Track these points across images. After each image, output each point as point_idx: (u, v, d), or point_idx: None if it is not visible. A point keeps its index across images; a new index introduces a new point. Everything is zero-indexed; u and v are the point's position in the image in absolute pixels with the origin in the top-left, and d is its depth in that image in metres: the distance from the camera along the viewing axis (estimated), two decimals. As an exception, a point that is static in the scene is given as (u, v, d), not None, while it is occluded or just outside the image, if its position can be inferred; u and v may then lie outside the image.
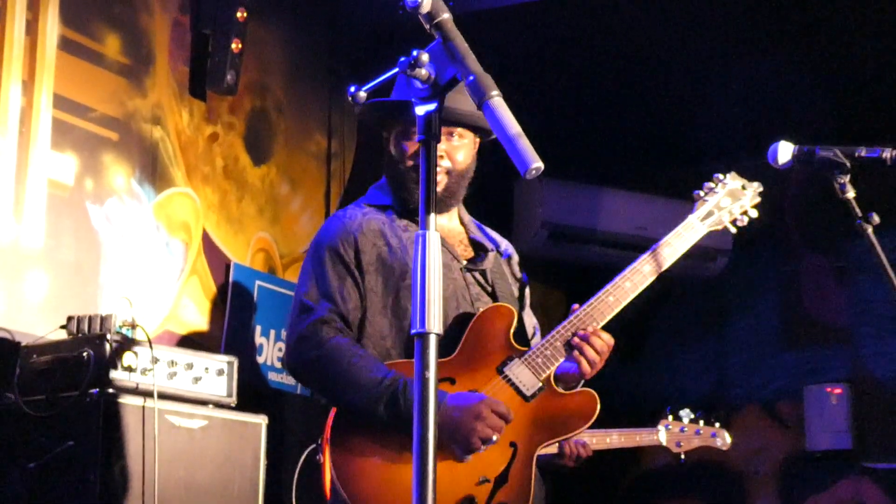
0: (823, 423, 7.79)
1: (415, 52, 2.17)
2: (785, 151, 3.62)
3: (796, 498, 7.91)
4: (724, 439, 4.50)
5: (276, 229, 6.49)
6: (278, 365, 6.22)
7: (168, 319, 5.68)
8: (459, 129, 3.55)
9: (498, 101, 2.10)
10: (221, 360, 4.97)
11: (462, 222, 3.73)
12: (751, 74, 7.26)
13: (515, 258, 3.84)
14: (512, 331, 3.48)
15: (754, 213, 3.82)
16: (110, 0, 5.56)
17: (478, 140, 3.65)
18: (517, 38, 6.93)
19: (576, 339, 3.47)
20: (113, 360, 4.43)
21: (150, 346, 4.59)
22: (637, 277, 3.63)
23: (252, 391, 5.49)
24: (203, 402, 4.81)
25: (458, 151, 3.56)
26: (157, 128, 5.73)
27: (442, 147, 3.46)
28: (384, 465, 3.27)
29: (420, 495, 2.06)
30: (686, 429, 4.41)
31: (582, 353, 3.47)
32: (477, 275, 3.62)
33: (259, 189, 6.41)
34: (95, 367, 4.36)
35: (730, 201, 3.80)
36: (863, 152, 3.55)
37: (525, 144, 2.06)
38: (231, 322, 6.02)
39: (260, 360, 6.19)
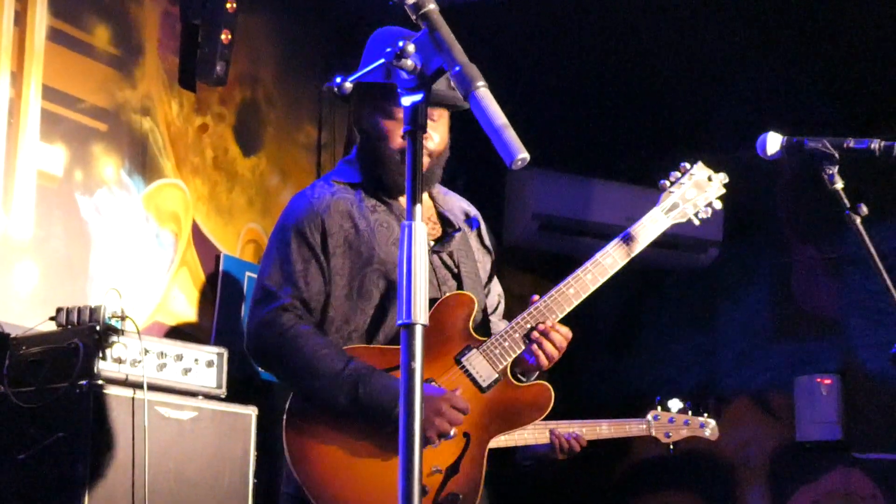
0: (814, 414, 7.79)
1: (401, 43, 2.17)
2: (773, 142, 3.61)
3: (786, 489, 7.93)
4: (713, 430, 4.50)
5: (266, 220, 6.49)
6: (268, 356, 6.21)
7: (158, 311, 5.67)
8: (437, 110, 3.50)
9: (484, 92, 2.09)
10: (211, 352, 4.97)
11: (430, 194, 3.67)
12: (744, 66, 7.26)
13: (483, 226, 3.78)
14: (472, 320, 3.46)
15: (718, 205, 3.80)
16: (99, -10, 5.56)
17: (448, 114, 3.57)
18: (507, 29, 6.93)
19: (535, 334, 3.45)
20: (102, 352, 4.43)
21: (140, 338, 4.58)
22: (598, 269, 3.61)
23: (242, 382, 5.49)
24: (193, 394, 4.81)
25: (436, 131, 3.50)
26: (146, 119, 5.72)
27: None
28: (338, 450, 3.28)
29: (406, 487, 2.06)
30: (675, 419, 4.43)
31: (540, 346, 3.46)
32: (444, 256, 3.57)
33: (249, 180, 6.41)
34: (85, 358, 4.36)
35: (695, 192, 3.78)
36: (851, 143, 3.54)
37: (511, 135, 2.05)
38: (221, 313, 6.01)
39: (250, 351, 6.18)
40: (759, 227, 8.32)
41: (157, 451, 4.52)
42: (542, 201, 7.87)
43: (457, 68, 2.11)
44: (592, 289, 3.59)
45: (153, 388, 4.58)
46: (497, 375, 3.42)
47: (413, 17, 2.22)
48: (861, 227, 3.44)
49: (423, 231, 2.16)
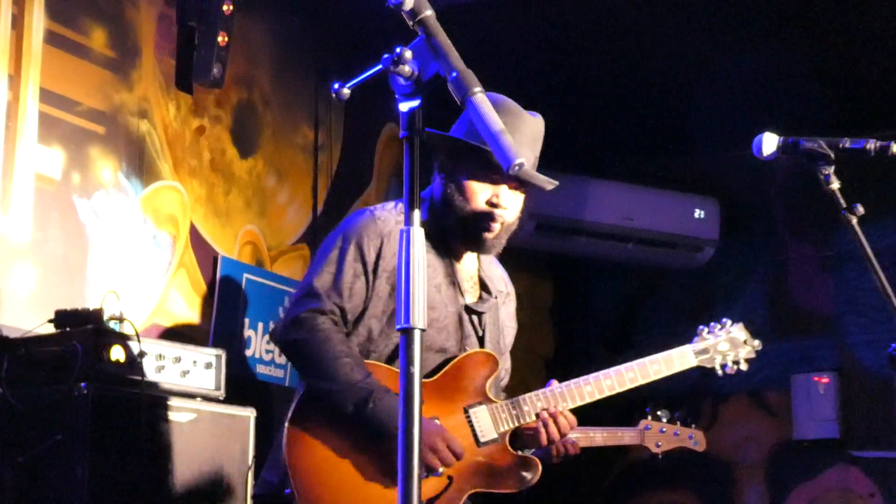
0: (811, 412, 7.81)
1: (398, 49, 2.19)
2: (769, 143, 3.62)
3: (784, 487, 7.95)
4: (701, 441, 4.58)
5: (264, 222, 6.49)
6: (267, 358, 6.23)
7: (156, 313, 5.67)
8: (520, 188, 3.70)
9: (481, 98, 2.11)
10: (209, 354, 4.98)
11: (478, 258, 3.87)
12: (741, 64, 7.26)
13: (514, 303, 4.01)
14: (490, 380, 3.64)
15: (745, 367, 4.06)
16: (96, -7, 5.56)
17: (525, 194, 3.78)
18: (503, 30, 6.93)
19: (544, 414, 3.64)
20: (101, 354, 4.43)
21: (138, 340, 4.58)
22: (619, 380, 3.83)
23: (240, 384, 5.50)
24: (191, 396, 4.82)
25: (513, 206, 3.71)
26: (143, 121, 5.73)
27: (507, 198, 3.64)
28: (333, 455, 3.38)
29: (405, 491, 2.07)
30: (665, 429, 4.49)
31: (545, 426, 3.64)
32: (474, 317, 3.76)
33: (246, 182, 6.41)
34: (83, 360, 4.36)
35: (727, 347, 4.06)
36: (847, 143, 3.56)
37: (508, 140, 2.07)
38: (219, 315, 6.02)
39: (248, 353, 6.19)
40: (755, 226, 8.34)
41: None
42: (539, 201, 7.86)
43: (454, 74, 2.13)
44: (607, 394, 3.80)
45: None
46: (496, 436, 3.58)
47: (410, 24, 2.23)
48: (857, 228, 3.46)
49: (421, 236, 2.19)
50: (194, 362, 4.87)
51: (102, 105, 5.51)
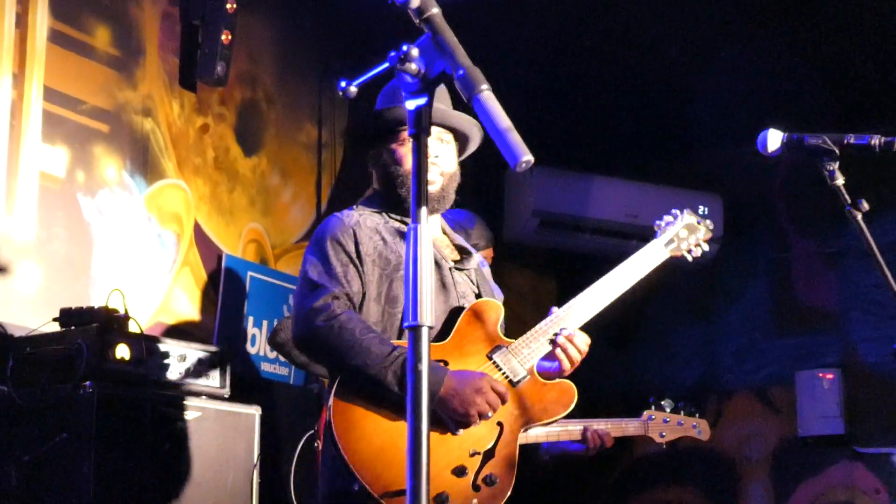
0: (815, 409, 7.81)
1: (405, 47, 2.19)
2: (774, 139, 3.63)
3: (789, 483, 7.94)
4: (705, 430, 4.58)
5: (268, 220, 6.50)
6: (271, 355, 6.23)
7: (160, 311, 5.68)
8: (447, 136, 3.78)
9: (488, 95, 2.11)
10: (214, 351, 4.98)
11: (444, 231, 3.95)
12: (743, 61, 7.27)
13: (488, 269, 4.09)
14: (500, 324, 3.72)
15: (706, 247, 4.19)
16: (99, -8, 5.57)
17: (454, 137, 3.84)
18: (507, 26, 6.93)
19: (560, 339, 3.71)
20: (106, 353, 4.43)
21: (143, 338, 4.59)
22: (610, 287, 3.96)
23: (245, 382, 5.51)
24: (196, 394, 4.82)
25: (446, 153, 3.77)
26: (147, 119, 5.73)
27: (435, 151, 3.71)
28: (382, 429, 3.39)
29: (414, 484, 2.08)
30: (669, 419, 4.50)
31: (565, 351, 3.71)
32: (464, 274, 3.84)
33: (250, 180, 6.42)
34: (88, 359, 4.37)
35: (687, 233, 4.16)
36: (851, 139, 3.56)
37: (515, 138, 2.07)
38: (223, 313, 6.02)
39: (252, 350, 6.20)
40: (758, 223, 8.33)
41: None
42: (542, 198, 7.88)
43: (460, 72, 2.13)
44: (608, 302, 3.92)
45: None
46: (525, 373, 3.63)
47: (416, 22, 2.24)
48: (862, 223, 3.46)
49: (428, 234, 2.20)
50: (199, 360, 4.87)
51: (106, 103, 5.52)
